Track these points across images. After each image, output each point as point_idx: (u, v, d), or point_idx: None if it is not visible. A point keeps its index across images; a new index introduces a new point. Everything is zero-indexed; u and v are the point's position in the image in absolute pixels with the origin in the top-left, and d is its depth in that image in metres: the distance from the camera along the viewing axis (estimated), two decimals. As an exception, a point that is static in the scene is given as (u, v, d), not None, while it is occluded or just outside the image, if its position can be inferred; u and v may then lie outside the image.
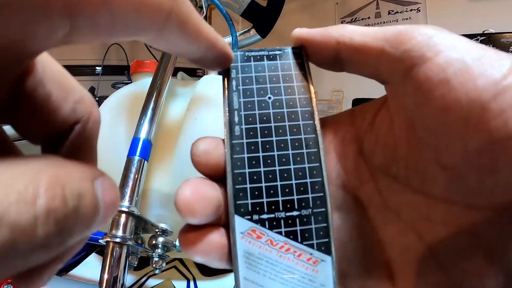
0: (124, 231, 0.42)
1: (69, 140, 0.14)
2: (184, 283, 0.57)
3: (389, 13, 1.84)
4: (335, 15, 2.00)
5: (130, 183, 0.45)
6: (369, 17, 1.90)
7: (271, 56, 0.18)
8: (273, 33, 0.89)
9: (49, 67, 0.13)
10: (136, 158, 0.46)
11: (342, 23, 1.97)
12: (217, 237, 0.16)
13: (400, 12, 1.81)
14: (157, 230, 0.49)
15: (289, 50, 0.18)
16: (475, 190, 0.14)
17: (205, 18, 0.96)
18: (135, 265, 0.46)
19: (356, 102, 1.42)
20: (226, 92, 0.17)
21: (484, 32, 1.41)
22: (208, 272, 0.60)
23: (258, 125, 0.17)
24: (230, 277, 0.60)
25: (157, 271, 0.49)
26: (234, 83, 0.18)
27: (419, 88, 0.14)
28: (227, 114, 0.17)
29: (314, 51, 0.18)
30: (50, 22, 0.09)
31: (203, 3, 0.73)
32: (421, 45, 0.14)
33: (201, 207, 0.15)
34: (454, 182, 0.14)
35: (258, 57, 0.18)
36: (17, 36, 0.09)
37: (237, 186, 0.16)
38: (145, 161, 0.47)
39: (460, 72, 0.13)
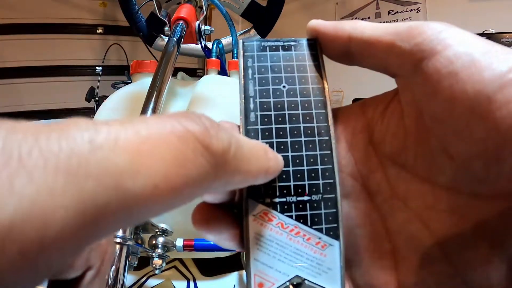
0: (124, 231, 0.42)
1: (80, 286, 0.14)
2: (184, 283, 0.57)
3: (389, 13, 1.84)
4: (335, 15, 2.00)
5: (130, 183, 0.45)
6: (369, 17, 1.90)
7: (286, 47, 0.19)
8: (273, 33, 0.90)
9: None
10: (136, 158, 0.46)
11: (342, 23, 1.97)
12: (229, 217, 0.16)
13: (400, 12, 1.81)
14: (157, 230, 0.49)
15: (303, 41, 0.19)
16: (481, 179, 0.14)
17: (205, 18, 0.96)
18: (135, 265, 0.46)
19: (356, 102, 1.42)
20: (243, 80, 0.18)
21: (484, 32, 1.41)
22: (208, 272, 0.60)
23: (272, 112, 0.17)
24: (230, 277, 0.60)
25: (157, 271, 0.49)
26: (250, 71, 0.18)
27: (428, 80, 0.15)
28: (243, 100, 0.18)
29: (327, 43, 0.18)
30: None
31: (203, 3, 0.73)
32: (431, 39, 0.15)
33: None
34: (460, 171, 0.15)
35: (274, 47, 0.19)
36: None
37: None
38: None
39: (467, 65, 0.14)
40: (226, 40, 0.88)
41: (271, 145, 0.17)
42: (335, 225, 0.16)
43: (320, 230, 0.16)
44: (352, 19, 1.94)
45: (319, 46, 0.19)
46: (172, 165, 0.10)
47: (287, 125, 0.17)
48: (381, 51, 0.16)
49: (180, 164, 0.10)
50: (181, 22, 0.61)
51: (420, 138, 0.16)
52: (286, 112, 0.17)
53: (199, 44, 0.72)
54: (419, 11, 1.76)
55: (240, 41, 0.19)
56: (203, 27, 0.72)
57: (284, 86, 0.18)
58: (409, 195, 0.17)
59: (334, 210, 0.17)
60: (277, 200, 0.16)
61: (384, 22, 1.85)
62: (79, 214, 0.08)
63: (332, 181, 0.17)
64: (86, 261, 0.14)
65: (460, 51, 0.14)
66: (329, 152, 0.17)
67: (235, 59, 0.78)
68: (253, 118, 0.17)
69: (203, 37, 0.74)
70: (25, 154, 0.08)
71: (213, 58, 0.74)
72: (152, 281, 0.57)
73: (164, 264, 0.49)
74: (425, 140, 0.16)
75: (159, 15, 0.75)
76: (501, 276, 0.14)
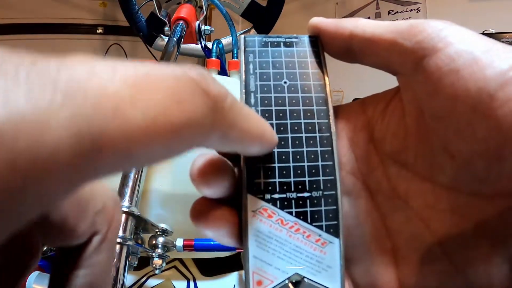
0: (124, 231, 0.42)
1: (87, 251, 0.14)
2: (184, 283, 0.57)
3: (389, 13, 1.84)
4: (335, 15, 2.00)
5: (130, 183, 0.45)
6: (369, 17, 1.90)
7: (288, 43, 0.19)
8: (273, 33, 0.89)
9: None
10: (136, 158, 0.46)
11: (342, 23, 1.97)
12: (228, 213, 0.16)
13: (400, 12, 1.81)
14: (157, 230, 0.49)
15: (305, 38, 0.19)
16: (482, 178, 0.14)
17: (205, 18, 0.96)
18: (135, 265, 0.46)
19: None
20: (244, 75, 0.18)
21: (484, 32, 1.41)
22: (208, 272, 0.60)
23: (273, 108, 0.17)
24: (230, 277, 0.60)
25: (157, 271, 0.49)
26: (251, 66, 0.18)
27: (429, 78, 0.15)
28: (244, 95, 0.17)
29: (328, 41, 0.18)
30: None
31: (203, 3, 0.73)
32: (432, 37, 0.15)
33: (215, 177, 0.15)
34: (461, 170, 0.15)
35: (275, 43, 0.19)
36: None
37: (250, 166, 0.16)
38: (145, 161, 0.47)
39: (469, 62, 0.14)
40: (226, 40, 0.88)
41: None
42: (335, 222, 0.16)
43: (320, 227, 0.16)
44: (352, 19, 1.94)
45: (321, 43, 0.19)
46: (171, 101, 0.09)
47: (288, 121, 0.17)
48: (383, 49, 0.16)
49: (179, 101, 0.10)
50: (181, 22, 0.61)
51: (420, 137, 0.16)
52: (287, 107, 0.17)
53: (199, 44, 0.72)
54: (419, 11, 1.76)
55: (242, 37, 0.19)
56: (203, 27, 0.72)
57: (285, 82, 0.18)
58: (409, 194, 0.17)
59: (335, 207, 0.16)
60: (277, 196, 0.16)
61: (384, 22, 1.85)
62: (75, 136, 0.08)
63: (332, 177, 0.17)
64: (91, 226, 0.13)
65: (461, 49, 0.14)
66: (329, 148, 0.17)
67: (235, 59, 0.78)
68: None
69: (203, 37, 0.74)
70: (22, 72, 0.07)
71: (213, 58, 0.73)
72: (152, 281, 0.57)
73: (164, 264, 0.49)
74: (426, 139, 0.16)
75: (159, 15, 0.75)
76: (502, 275, 0.14)
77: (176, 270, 0.60)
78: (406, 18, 1.87)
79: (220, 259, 0.61)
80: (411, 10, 1.77)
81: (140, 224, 0.46)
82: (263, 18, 0.88)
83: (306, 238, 0.16)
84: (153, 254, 0.48)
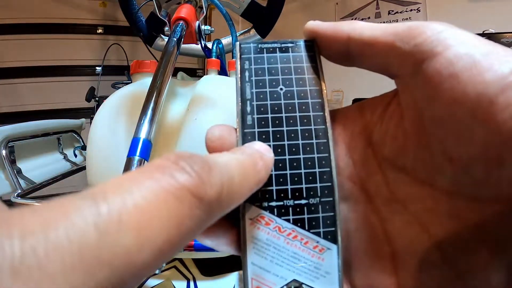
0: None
1: None
2: (184, 283, 0.57)
3: (389, 13, 1.84)
4: (335, 15, 2.00)
5: (130, 183, 0.45)
6: (369, 17, 1.90)
7: (284, 49, 0.19)
8: (273, 33, 0.89)
9: None
10: (136, 158, 0.46)
11: (342, 23, 1.97)
12: (226, 222, 0.16)
13: (400, 12, 1.81)
14: (157, 230, 0.49)
15: (301, 42, 0.19)
16: (481, 182, 0.14)
17: (205, 18, 0.96)
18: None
19: (356, 102, 1.42)
20: (239, 82, 0.18)
21: (484, 32, 1.41)
22: (208, 272, 0.60)
23: (269, 115, 0.17)
24: (230, 277, 0.60)
25: (157, 271, 0.49)
26: (247, 74, 0.18)
27: (428, 82, 0.15)
28: (240, 104, 0.17)
29: (326, 45, 0.18)
30: None
31: (203, 3, 0.73)
32: (431, 40, 0.15)
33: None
34: (460, 175, 0.15)
35: (271, 49, 0.19)
36: None
37: None
38: (145, 161, 0.47)
39: (469, 66, 0.14)
40: (226, 40, 0.88)
41: None
42: (333, 228, 0.16)
43: (318, 234, 0.16)
44: (352, 19, 1.94)
45: (317, 48, 0.18)
46: (173, 228, 0.10)
47: (284, 128, 0.17)
48: (381, 52, 0.16)
49: (180, 223, 0.11)
50: (181, 22, 0.61)
51: (419, 141, 0.16)
52: (284, 114, 0.17)
53: (199, 44, 0.72)
54: (419, 11, 1.76)
55: (237, 44, 0.19)
56: (203, 27, 0.72)
57: (281, 89, 0.18)
58: (408, 198, 0.17)
59: (332, 214, 0.16)
60: (274, 203, 0.16)
61: (384, 22, 1.85)
62: None
63: (330, 184, 0.17)
64: None
65: (461, 52, 0.14)
66: (327, 155, 0.17)
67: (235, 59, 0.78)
68: (250, 121, 0.17)
69: (203, 37, 0.74)
70: (41, 252, 0.08)
71: (213, 58, 0.73)
72: (152, 281, 0.57)
73: (164, 264, 0.49)
74: (425, 143, 0.16)
75: (159, 15, 0.75)
76: (502, 280, 0.14)
77: (176, 270, 0.60)
78: (406, 18, 1.87)
79: (220, 259, 0.61)
80: (411, 10, 1.77)
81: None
82: (263, 18, 0.88)
83: (304, 245, 0.16)
84: (153, 254, 0.48)
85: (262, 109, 0.17)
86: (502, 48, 0.14)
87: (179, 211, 0.11)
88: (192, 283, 0.57)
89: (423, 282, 0.16)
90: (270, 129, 0.17)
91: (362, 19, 1.91)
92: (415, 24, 0.15)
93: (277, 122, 0.17)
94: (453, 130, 0.14)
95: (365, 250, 0.17)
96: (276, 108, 0.17)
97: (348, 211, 0.18)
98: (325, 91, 0.18)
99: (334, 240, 0.16)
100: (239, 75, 0.18)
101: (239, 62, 0.18)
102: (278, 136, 0.17)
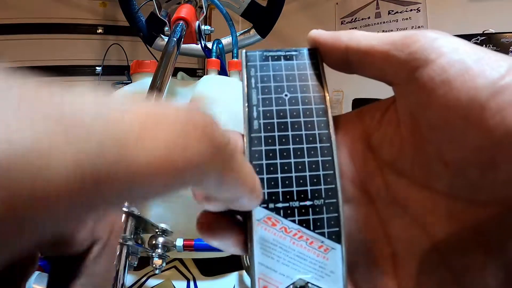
0: (124, 231, 0.42)
1: (87, 261, 0.13)
2: (184, 283, 0.57)
3: (389, 13, 1.84)
4: (335, 15, 2.00)
5: (130, 183, 0.45)
6: (369, 17, 1.90)
7: (288, 56, 0.19)
8: (273, 33, 0.90)
9: None
10: (136, 158, 0.46)
11: (342, 23, 1.97)
12: (233, 223, 0.17)
13: (400, 12, 1.81)
14: (157, 230, 0.49)
15: (304, 50, 0.19)
16: (477, 185, 0.14)
17: (205, 18, 0.96)
18: (135, 265, 0.46)
19: (356, 102, 1.42)
20: (246, 89, 0.19)
21: (484, 32, 1.41)
22: (208, 272, 0.60)
23: (275, 120, 0.18)
24: (230, 277, 0.60)
25: (157, 271, 0.49)
26: (253, 80, 0.19)
27: (422, 88, 0.15)
28: (246, 109, 0.18)
29: (326, 54, 0.19)
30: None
31: (203, 3, 0.73)
32: (425, 47, 0.15)
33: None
34: (456, 178, 0.15)
35: (276, 57, 0.19)
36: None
37: None
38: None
39: (461, 72, 0.14)
40: (226, 40, 0.88)
41: (274, 152, 0.17)
42: (337, 229, 0.17)
43: (322, 234, 0.17)
44: (352, 19, 1.94)
45: (319, 55, 0.19)
46: (177, 146, 0.10)
47: (290, 133, 0.18)
48: (377, 61, 0.17)
49: (184, 147, 0.10)
50: (181, 22, 0.61)
51: (416, 146, 0.16)
52: (289, 120, 0.18)
53: (199, 44, 0.72)
54: (419, 11, 1.76)
55: (243, 52, 0.19)
56: (203, 27, 0.72)
57: (286, 95, 0.18)
58: (408, 200, 0.17)
59: (336, 215, 0.17)
60: (280, 205, 0.17)
61: (384, 22, 1.85)
62: (76, 176, 0.07)
63: (333, 186, 0.17)
64: (91, 234, 0.13)
65: (453, 58, 0.14)
66: (330, 158, 0.17)
67: (235, 59, 0.78)
68: (256, 126, 0.18)
69: (203, 37, 0.74)
70: (25, 103, 0.07)
71: (213, 58, 0.74)
72: (152, 281, 0.57)
73: (164, 264, 0.49)
74: (421, 148, 0.16)
75: (159, 15, 0.75)
76: (499, 282, 0.14)
77: (176, 270, 0.60)
78: (406, 18, 1.87)
79: (220, 259, 0.61)
80: (411, 10, 1.77)
81: (140, 224, 0.46)
82: (263, 18, 0.88)
83: (309, 245, 0.17)
84: (153, 254, 0.48)
85: (268, 114, 0.18)
86: (493, 53, 0.14)
87: (185, 134, 0.10)
88: (192, 283, 0.57)
89: (422, 283, 0.16)
90: (276, 133, 0.18)
91: (362, 19, 1.92)
92: (410, 32, 0.16)
93: (282, 127, 0.18)
94: (447, 135, 0.15)
95: (367, 251, 0.18)
96: (281, 114, 0.18)
97: (351, 213, 0.18)
98: (328, 97, 0.19)
99: (338, 240, 0.17)
100: (245, 82, 0.19)
101: (245, 70, 0.19)
102: (283, 140, 0.18)
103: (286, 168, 0.17)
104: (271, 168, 0.17)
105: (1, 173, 0.06)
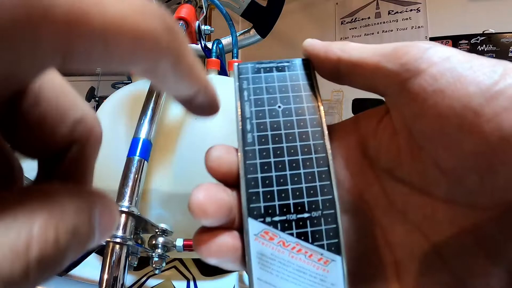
0: (124, 231, 0.42)
1: (66, 161, 0.13)
2: (184, 283, 0.57)
3: (389, 13, 1.84)
4: (335, 15, 2.00)
5: (130, 183, 0.45)
6: (369, 17, 1.90)
7: (280, 68, 0.19)
8: (273, 33, 0.90)
9: (47, 85, 0.12)
10: (136, 158, 0.46)
11: (342, 23, 1.97)
12: (230, 239, 0.16)
13: (400, 12, 1.81)
14: (157, 230, 0.49)
15: (296, 61, 0.19)
16: (476, 191, 0.14)
17: (205, 18, 0.96)
18: (135, 265, 0.46)
19: (356, 102, 1.42)
20: (239, 102, 0.19)
21: (484, 32, 1.41)
22: (208, 272, 0.60)
23: (269, 133, 0.18)
24: (230, 277, 0.60)
25: (157, 271, 0.49)
26: (245, 93, 0.19)
27: (414, 99, 0.15)
28: (240, 122, 0.18)
29: (318, 64, 0.19)
30: (41, 60, 0.08)
31: (203, 3, 0.73)
32: (415, 58, 0.15)
33: (213, 209, 0.16)
34: (454, 185, 0.15)
35: (268, 68, 0.19)
36: (6, 71, 0.08)
37: (250, 190, 0.17)
38: (145, 161, 0.47)
39: (452, 80, 0.14)
40: (226, 40, 0.88)
41: (269, 164, 0.17)
42: (336, 240, 0.17)
43: (321, 246, 0.16)
44: (352, 19, 1.94)
45: (312, 65, 0.19)
46: (135, 10, 0.09)
47: (284, 144, 0.18)
48: (368, 72, 0.17)
49: (143, 12, 0.09)
50: (181, 22, 0.61)
51: (412, 154, 0.16)
52: (283, 131, 0.18)
53: (199, 44, 0.72)
54: (419, 11, 1.76)
55: (235, 65, 0.19)
56: (203, 27, 0.72)
57: (279, 106, 0.18)
58: (407, 207, 0.17)
59: (335, 226, 0.17)
60: (277, 218, 0.17)
61: (384, 22, 1.85)
62: (24, 7, 0.07)
63: (331, 197, 0.17)
64: (70, 133, 0.13)
65: (444, 67, 0.14)
66: (326, 168, 0.17)
67: (235, 59, 0.78)
68: (250, 139, 0.18)
69: (203, 37, 0.74)
70: None
71: (213, 58, 0.74)
72: (152, 281, 0.57)
73: (164, 264, 0.49)
74: (417, 156, 0.16)
75: (159, 15, 0.75)
76: (502, 284, 0.14)
77: (176, 270, 0.60)
78: (406, 18, 1.88)
79: (220, 259, 0.61)
80: (411, 10, 1.77)
81: (140, 224, 0.46)
82: (263, 18, 0.88)
83: (308, 258, 0.16)
84: (153, 254, 0.48)
85: (261, 126, 0.18)
86: (486, 59, 0.14)
87: (144, 6, 0.10)
88: (192, 283, 0.57)
89: None
90: (270, 146, 0.17)
91: (362, 19, 1.92)
92: (401, 44, 0.16)
93: (276, 139, 0.18)
94: (442, 143, 0.15)
95: (368, 260, 0.17)
96: (275, 126, 0.18)
97: (350, 223, 0.18)
98: (321, 107, 0.19)
99: (338, 252, 0.16)
100: (238, 95, 0.19)
101: (237, 83, 0.19)
102: (278, 152, 0.17)
103: (282, 180, 0.17)
104: (267, 182, 0.17)
105: None
